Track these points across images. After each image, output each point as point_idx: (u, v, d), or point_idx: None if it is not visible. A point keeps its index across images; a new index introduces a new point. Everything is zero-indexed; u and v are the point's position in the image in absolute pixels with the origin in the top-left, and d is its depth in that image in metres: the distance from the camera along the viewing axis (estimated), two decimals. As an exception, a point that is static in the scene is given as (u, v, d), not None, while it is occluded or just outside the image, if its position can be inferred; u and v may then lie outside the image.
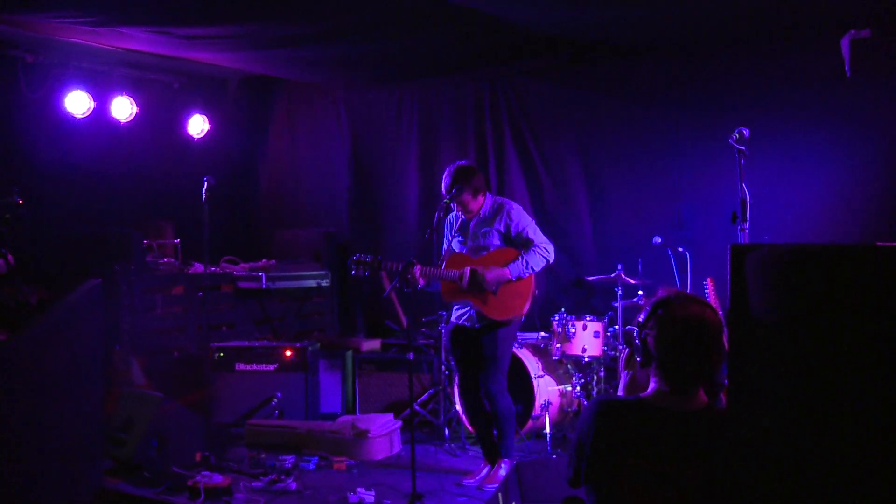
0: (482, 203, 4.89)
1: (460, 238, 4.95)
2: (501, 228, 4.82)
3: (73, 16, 5.53)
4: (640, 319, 2.29)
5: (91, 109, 6.85)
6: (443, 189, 4.83)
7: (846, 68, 5.29)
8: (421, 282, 4.68)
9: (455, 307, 4.98)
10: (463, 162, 4.91)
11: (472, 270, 4.75)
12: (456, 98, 7.44)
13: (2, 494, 3.36)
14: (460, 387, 5.11)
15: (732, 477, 2.08)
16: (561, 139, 6.89)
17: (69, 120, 6.81)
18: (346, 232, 8.04)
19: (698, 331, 2.18)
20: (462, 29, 5.94)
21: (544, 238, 4.85)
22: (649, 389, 2.27)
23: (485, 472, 4.94)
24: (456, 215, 5.00)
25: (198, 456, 5.20)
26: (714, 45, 6.10)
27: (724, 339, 2.25)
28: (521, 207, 4.96)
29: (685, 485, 2.10)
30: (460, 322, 4.91)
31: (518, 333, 5.59)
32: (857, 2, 5.14)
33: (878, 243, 2.36)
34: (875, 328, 2.29)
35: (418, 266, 4.63)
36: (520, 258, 4.73)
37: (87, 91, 6.81)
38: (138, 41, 6.25)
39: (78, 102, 6.76)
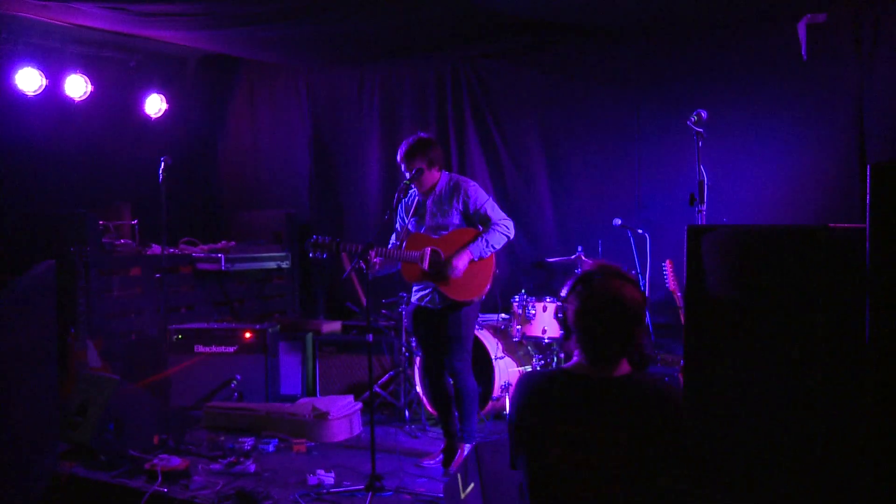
0: (437, 179, 4.83)
1: (416, 219, 4.89)
2: (460, 207, 4.76)
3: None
4: (563, 294, 2.30)
5: (43, 87, 6.67)
6: (398, 157, 4.79)
7: (803, 52, 5.36)
8: (377, 262, 4.63)
9: (415, 288, 4.94)
10: (423, 134, 4.88)
11: (432, 251, 4.72)
12: (418, 79, 7.40)
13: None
14: (421, 368, 5.10)
15: (651, 440, 2.11)
16: (522, 121, 6.89)
17: (20, 98, 6.63)
18: (307, 213, 7.99)
19: (615, 306, 2.21)
20: (424, 10, 5.89)
21: (503, 214, 4.80)
22: (571, 361, 2.31)
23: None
24: (412, 195, 4.95)
25: (155, 439, 5.16)
26: (674, 28, 6.13)
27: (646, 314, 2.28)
28: (477, 185, 4.90)
29: (608, 448, 2.12)
30: (422, 304, 4.88)
31: (479, 315, 5.60)
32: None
33: (830, 224, 2.40)
34: (826, 305, 2.34)
35: (375, 249, 4.59)
36: (480, 238, 4.69)
37: (39, 68, 6.63)
38: (92, 17, 6.10)
39: (29, 80, 6.58)
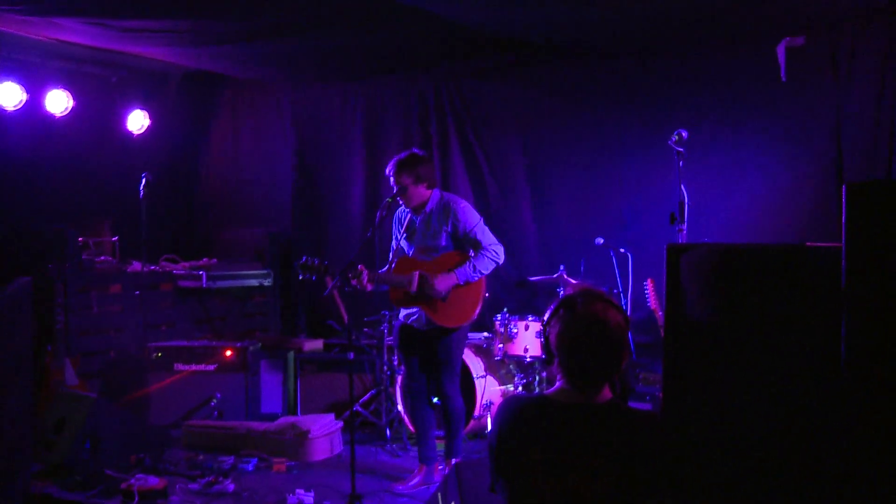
0: (427, 197, 4.74)
1: (406, 236, 4.82)
2: (449, 228, 4.68)
3: (2, 3, 5.33)
4: (545, 318, 2.28)
5: (24, 102, 6.61)
6: (386, 170, 4.73)
7: (782, 74, 5.42)
8: (369, 287, 4.57)
9: (402, 309, 4.89)
10: (417, 150, 4.84)
11: (420, 276, 4.63)
12: (401, 97, 7.42)
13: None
14: (403, 385, 5.06)
15: (635, 467, 2.09)
16: (505, 139, 6.92)
17: (0, 112, 6.60)
18: (290, 231, 7.95)
19: (597, 329, 2.17)
20: (408, 28, 5.91)
21: (493, 239, 4.72)
22: (554, 387, 2.29)
23: (423, 473, 4.88)
24: (403, 211, 4.88)
25: (133, 458, 5.09)
26: (657, 49, 6.19)
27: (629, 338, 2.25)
28: (469, 205, 4.83)
29: (589, 475, 2.09)
30: (409, 322, 4.82)
31: (468, 337, 5.54)
32: (792, 10, 5.26)
33: (807, 243, 2.42)
34: (803, 323, 2.36)
35: (366, 272, 4.50)
36: (468, 263, 4.62)
37: (20, 83, 6.58)
38: (73, 33, 6.08)
39: (9, 94, 6.52)
